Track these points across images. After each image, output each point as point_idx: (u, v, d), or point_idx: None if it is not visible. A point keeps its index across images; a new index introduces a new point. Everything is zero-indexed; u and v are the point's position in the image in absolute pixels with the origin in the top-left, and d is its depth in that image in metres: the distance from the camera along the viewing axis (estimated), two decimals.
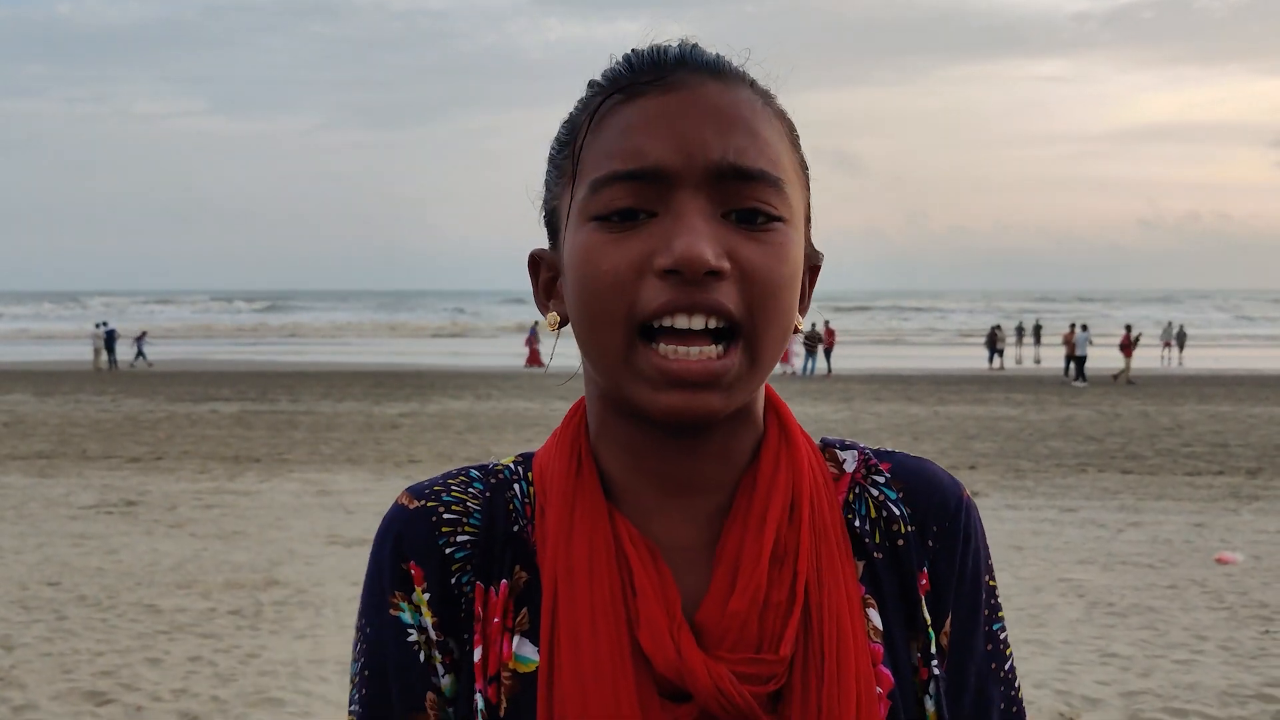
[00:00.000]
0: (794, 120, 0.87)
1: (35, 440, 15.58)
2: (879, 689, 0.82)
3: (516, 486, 0.88)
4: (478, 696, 0.82)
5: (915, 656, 0.85)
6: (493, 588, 0.84)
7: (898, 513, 0.87)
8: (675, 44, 0.83)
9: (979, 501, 10.66)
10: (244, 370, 32.28)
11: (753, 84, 0.84)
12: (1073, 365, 27.89)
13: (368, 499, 10.69)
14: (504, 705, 0.81)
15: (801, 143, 0.87)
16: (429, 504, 0.86)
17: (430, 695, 0.84)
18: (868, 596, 0.85)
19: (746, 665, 0.78)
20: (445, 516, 0.85)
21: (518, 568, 0.84)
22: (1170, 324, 40.84)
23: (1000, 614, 0.90)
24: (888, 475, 0.89)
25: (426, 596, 0.84)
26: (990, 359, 34.34)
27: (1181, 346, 38.09)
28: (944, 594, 0.86)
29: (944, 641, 0.86)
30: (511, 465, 0.90)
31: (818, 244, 0.90)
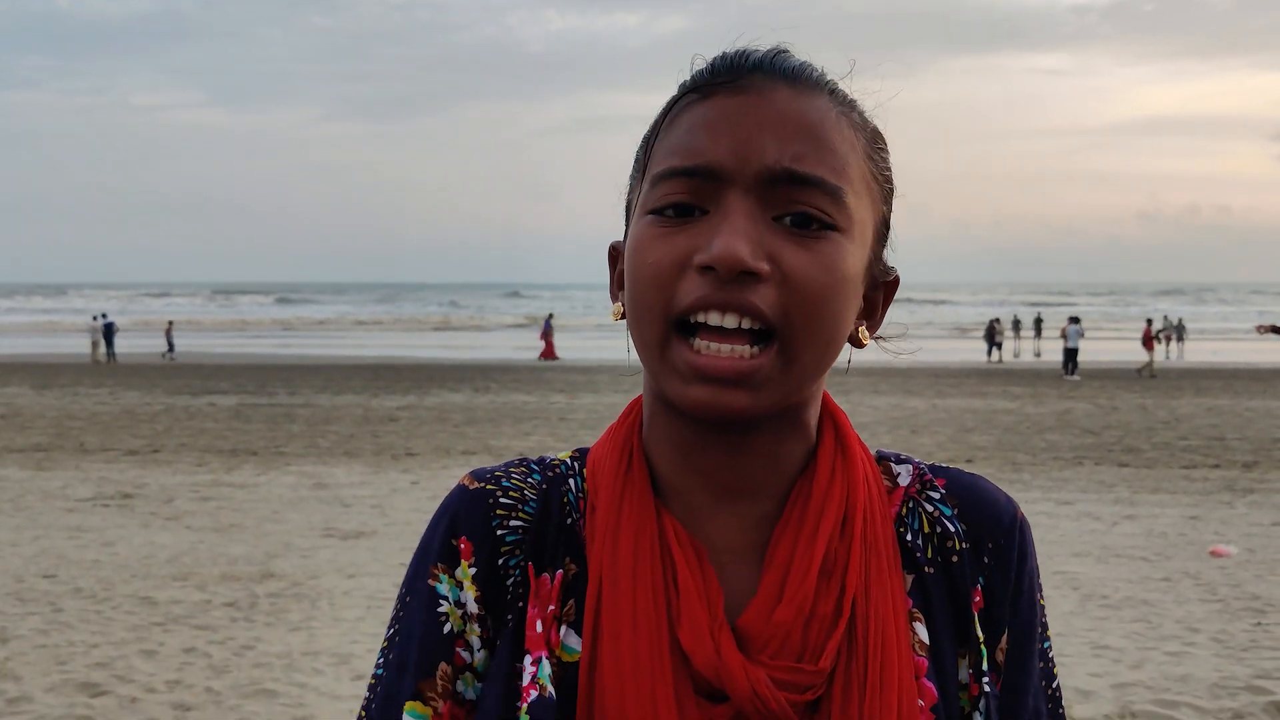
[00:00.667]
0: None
1: (33, 433, 15.59)
2: (921, 702, 0.82)
3: (571, 481, 0.90)
4: (541, 663, 0.83)
5: (966, 672, 0.86)
6: (545, 575, 0.86)
7: (953, 529, 0.87)
8: (762, 49, 0.84)
9: None
10: (242, 363, 32.27)
11: (833, 93, 0.84)
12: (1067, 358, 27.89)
13: (364, 492, 10.70)
14: (547, 690, 0.83)
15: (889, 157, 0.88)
16: (488, 487, 0.88)
17: (444, 666, 0.85)
18: (915, 610, 0.85)
19: (786, 673, 0.79)
20: (502, 501, 0.88)
21: (568, 559, 0.86)
22: (1166, 317, 40.86)
23: (1048, 632, 0.91)
24: (943, 491, 0.89)
25: (473, 571, 0.86)
26: (989, 352, 34.38)
27: (1181, 339, 38.11)
28: (999, 611, 0.87)
29: (999, 659, 0.86)
30: (568, 460, 0.92)
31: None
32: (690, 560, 0.82)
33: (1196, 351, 38.07)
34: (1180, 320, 40.67)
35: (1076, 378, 26.42)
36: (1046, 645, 0.90)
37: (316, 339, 49.39)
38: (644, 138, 0.87)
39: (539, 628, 0.84)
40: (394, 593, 5.88)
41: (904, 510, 0.88)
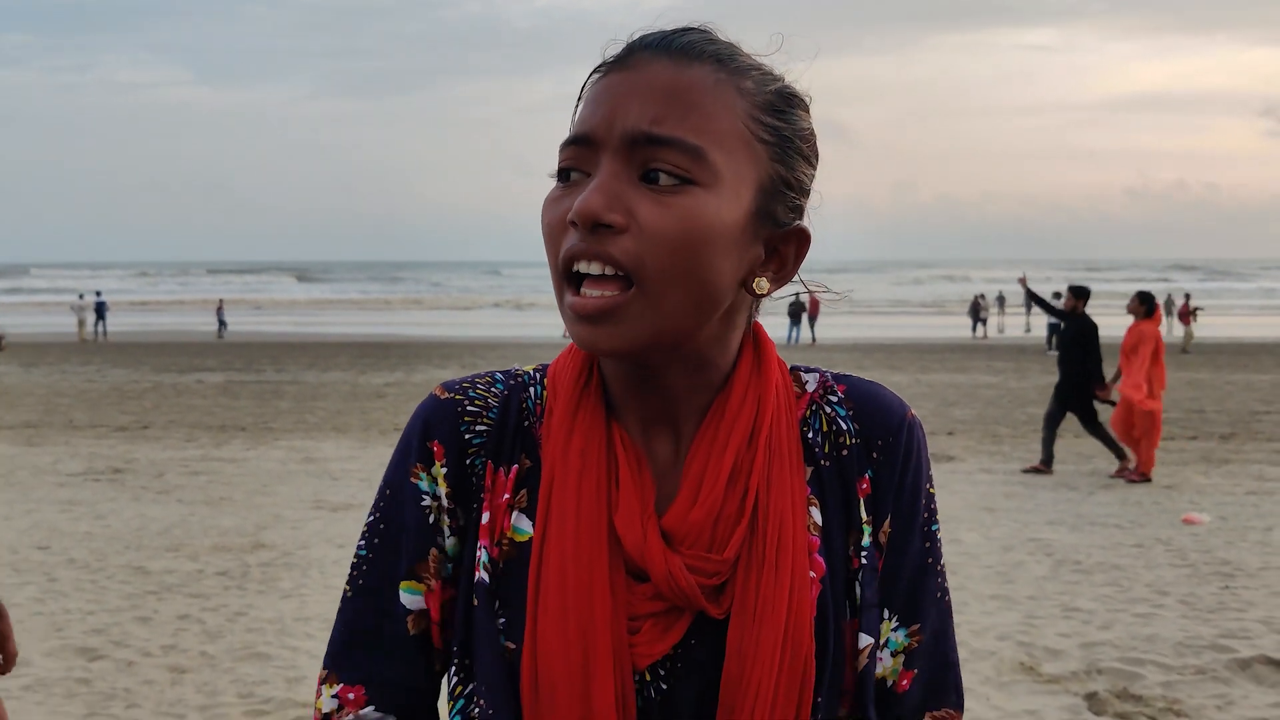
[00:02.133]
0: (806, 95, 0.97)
1: (21, 410, 15.64)
2: (812, 574, 0.96)
3: (532, 389, 1.03)
4: (481, 551, 0.98)
5: (850, 549, 0.99)
6: (502, 469, 1.00)
7: (845, 428, 1.01)
8: (668, 29, 0.94)
9: (954, 466, 10.84)
10: (229, 341, 32.29)
11: (720, 62, 0.92)
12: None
13: (353, 465, 10.82)
14: (500, 565, 0.97)
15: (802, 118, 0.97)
16: (457, 397, 1.02)
17: (434, 551, 1.00)
18: (811, 497, 0.99)
19: (698, 561, 0.93)
20: (468, 409, 1.01)
21: (523, 456, 1.00)
22: (1170, 296, 41.02)
23: (937, 518, 1.03)
24: (841, 395, 1.03)
25: (444, 471, 1.00)
26: (974, 328, 34.56)
27: (1169, 315, 38.27)
28: (884, 498, 1.00)
29: (882, 539, 1.00)
30: (531, 372, 1.06)
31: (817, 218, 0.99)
32: (631, 463, 0.96)
33: (1206, 328, 38.24)
34: (1169, 296, 40.88)
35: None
36: (934, 528, 1.02)
37: (304, 316, 49.33)
38: None
39: (486, 519, 0.98)
40: None
41: (808, 413, 1.02)
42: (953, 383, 19.54)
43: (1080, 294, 11.08)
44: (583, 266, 0.90)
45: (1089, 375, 10.59)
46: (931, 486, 1.04)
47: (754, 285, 0.96)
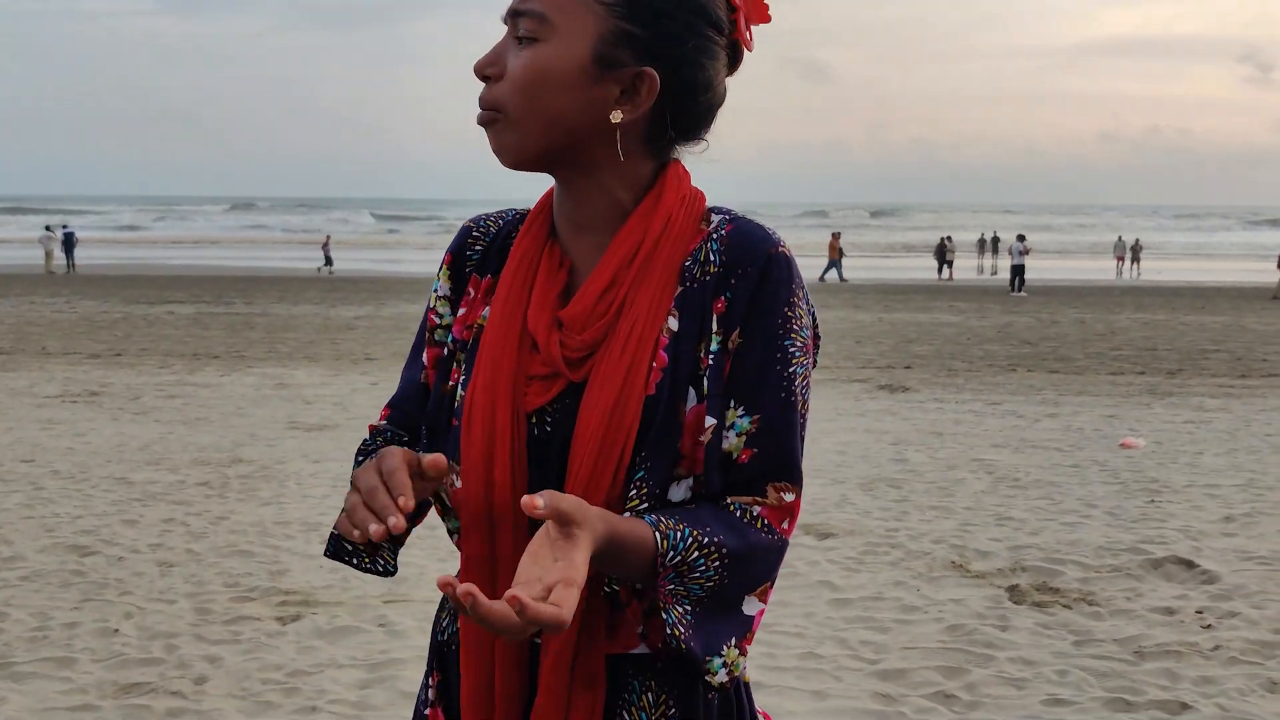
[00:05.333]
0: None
1: None
2: (654, 364, 1.25)
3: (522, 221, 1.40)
4: (449, 336, 1.37)
5: (700, 352, 1.28)
6: (488, 278, 1.36)
7: (713, 260, 1.29)
8: None
9: (908, 396, 11.25)
10: (198, 275, 32.27)
11: None
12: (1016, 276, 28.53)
13: (326, 391, 11.09)
14: (469, 342, 1.34)
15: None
16: (472, 224, 1.40)
17: (435, 327, 1.39)
18: (674, 310, 1.28)
19: (570, 340, 1.27)
20: (474, 233, 1.39)
21: (500, 265, 1.36)
22: (1121, 239, 41.60)
23: (795, 335, 1.28)
24: (723, 233, 1.28)
25: (447, 273, 1.40)
26: (939, 270, 34.96)
27: (1137, 260, 38.86)
28: (735, 314, 1.27)
29: (731, 346, 1.27)
30: (531, 209, 1.41)
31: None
32: (550, 264, 1.32)
33: (1152, 271, 38.86)
34: (1136, 240, 41.45)
35: (1023, 294, 27.10)
36: (788, 343, 1.27)
37: (270, 251, 49.17)
38: None
39: (461, 313, 1.38)
40: None
41: (698, 246, 1.31)
42: (914, 321, 19.96)
43: None
44: (480, 104, 1.29)
45: None
46: (793, 310, 1.29)
47: (611, 116, 1.27)
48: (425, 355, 1.39)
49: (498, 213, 1.41)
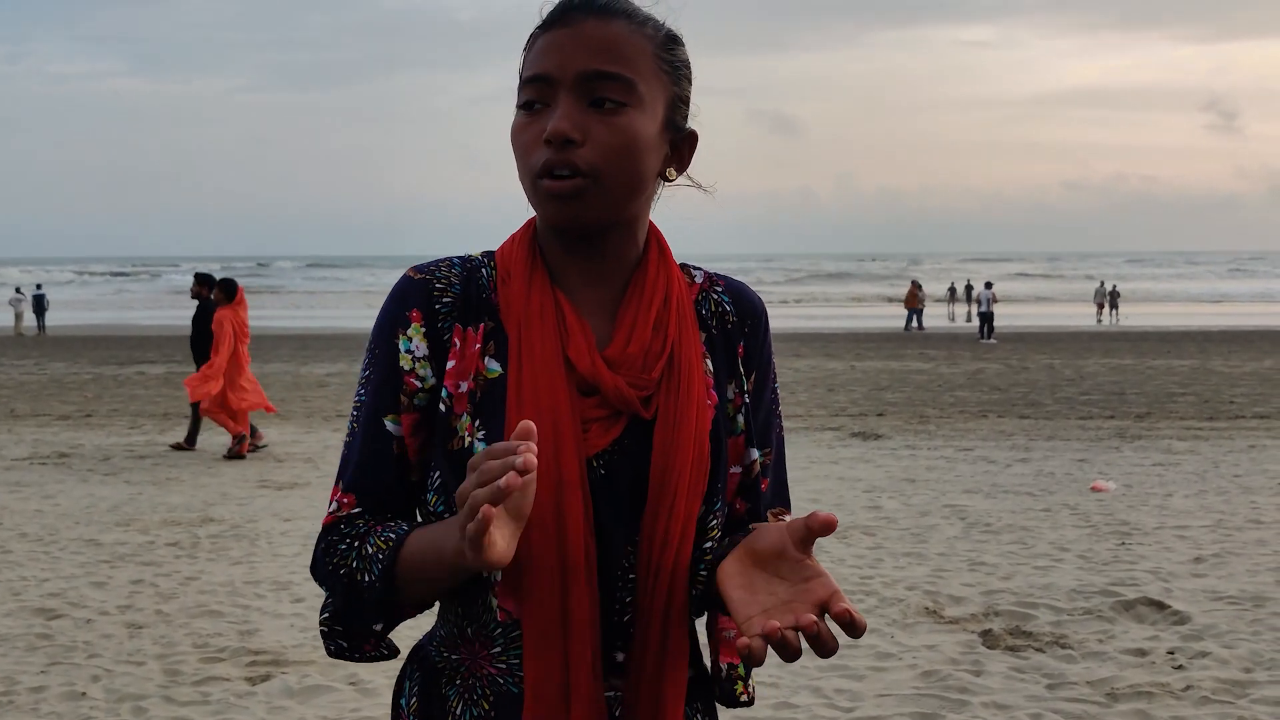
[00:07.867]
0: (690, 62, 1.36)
1: None
2: (709, 402, 1.35)
3: (484, 270, 1.38)
4: (443, 390, 1.32)
5: (734, 391, 1.39)
6: (470, 328, 1.32)
7: (729, 309, 1.42)
8: None
9: (880, 443, 11.30)
10: (168, 334, 32.09)
11: (630, 16, 1.28)
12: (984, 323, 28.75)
13: (297, 449, 11.03)
14: (479, 396, 1.31)
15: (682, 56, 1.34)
16: (427, 277, 1.34)
17: (406, 391, 1.32)
18: (705, 352, 1.38)
19: (633, 379, 1.30)
20: (436, 285, 1.33)
21: (487, 319, 1.34)
22: (1102, 284, 42.02)
23: (776, 380, 1.46)
24: (723, 288, 1.42)
25: (423, 330, 1.32)
26: (909, 321, 34.50)
27: (1115, 306, 39.23)
28: (751, 360, 1.41)
29: (748, 386, 1.41)
30: (479, 257, 1.40)
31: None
32: (574, 313, 1.32)
33: (1130, 317, 39.24)
34: (1114, 286, 41.89)
35: (993, 341, 27.31)
36: (775, 385, 1.46)
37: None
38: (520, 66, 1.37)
39: (451, 365, 1.32)
40: None
41: (700, 297, 1.41)
42: (886, 369, 20.07)
43: (204, 281, 11.48)
44: (556, 171, 1.27)
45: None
46: (773, 359, 1.46)
47: (666, 174, 1.35)
48: (397, 423, 1.32)
49: (443, 263, 1.36)
